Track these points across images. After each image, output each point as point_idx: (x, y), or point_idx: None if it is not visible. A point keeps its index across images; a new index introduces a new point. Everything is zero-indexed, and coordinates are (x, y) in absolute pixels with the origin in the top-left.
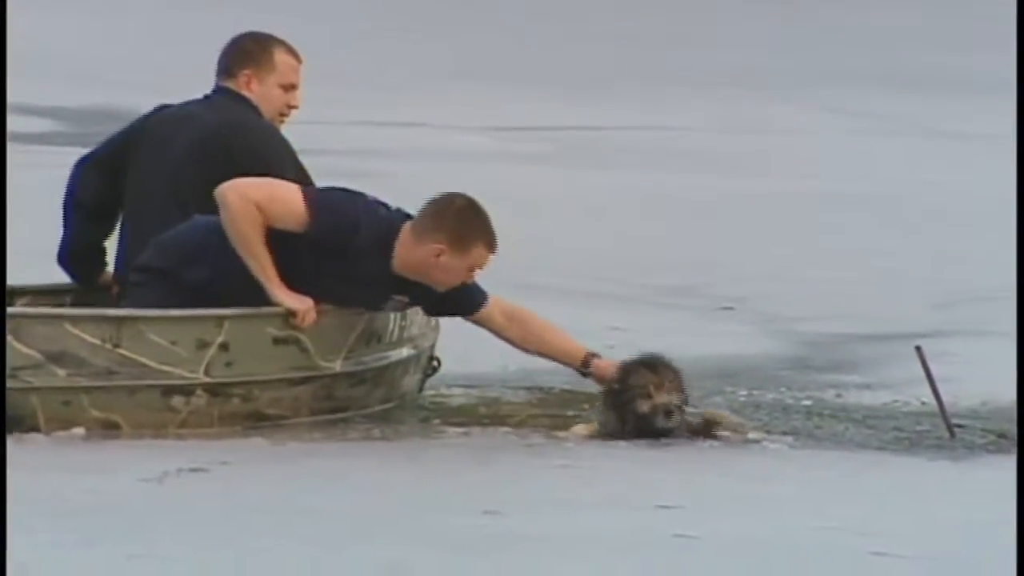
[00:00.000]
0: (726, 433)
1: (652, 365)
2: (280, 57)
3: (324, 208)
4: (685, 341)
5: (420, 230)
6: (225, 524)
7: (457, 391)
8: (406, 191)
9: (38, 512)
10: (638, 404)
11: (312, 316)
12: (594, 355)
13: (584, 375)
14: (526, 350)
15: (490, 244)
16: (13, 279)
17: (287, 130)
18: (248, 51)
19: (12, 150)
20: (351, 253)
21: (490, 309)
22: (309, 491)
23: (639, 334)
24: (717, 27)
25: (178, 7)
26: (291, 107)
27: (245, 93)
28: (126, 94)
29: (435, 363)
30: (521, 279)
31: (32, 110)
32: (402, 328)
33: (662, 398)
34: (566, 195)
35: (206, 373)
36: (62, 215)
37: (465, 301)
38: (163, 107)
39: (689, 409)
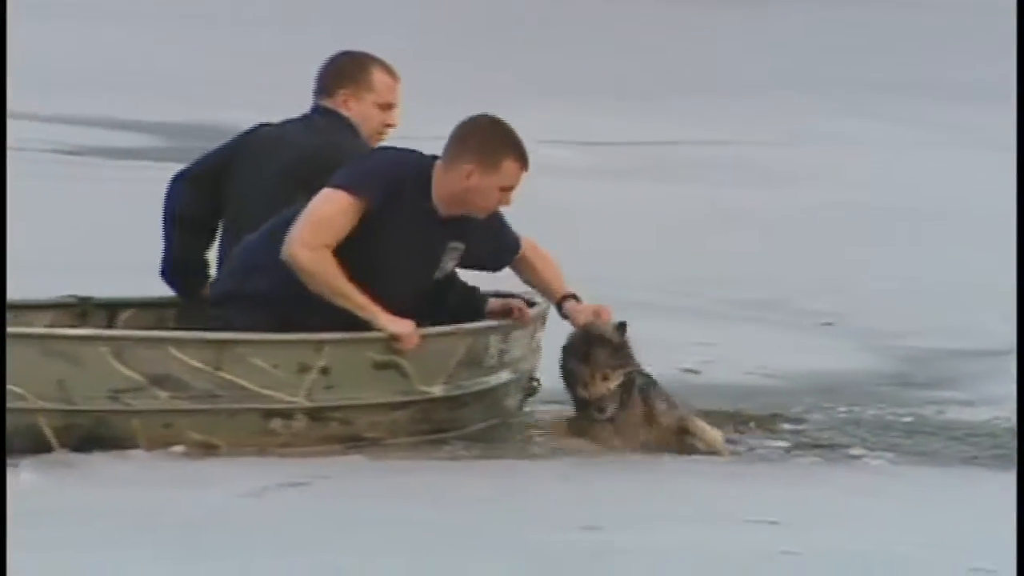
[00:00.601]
0: (698, 444)
1: (586, 353)
2: (378, 76)
3: (367, 182)
4: (779, 357)
5: (449, 157)
6: (325, 539)
7: (555, 408)
8: None
9: (136, 527)
10: (577, 390)
11: (415, 340)
12: (572, 297)
13: (561, 316)
14: (524, 280)
15: (520, 158)
16: (116, 293)
17: None
18: (346, 70)
19: (108, 166)
20: (400, 208)
21: (525, 249)
22: (408, 506)
23: (729, 349)
24: (791, 36)
25: (269, 25)
26: (388, 126)
27: (343, 112)
28: (221, 110)
29: (535, 383)
30: (606, 294)
31: (128, 125)
32: (502, 352)
33: (596, 390)
34: (651, 210)
35: (307, 397)
36: (162, 230)
37: (508, 243)
38: (262, 125)
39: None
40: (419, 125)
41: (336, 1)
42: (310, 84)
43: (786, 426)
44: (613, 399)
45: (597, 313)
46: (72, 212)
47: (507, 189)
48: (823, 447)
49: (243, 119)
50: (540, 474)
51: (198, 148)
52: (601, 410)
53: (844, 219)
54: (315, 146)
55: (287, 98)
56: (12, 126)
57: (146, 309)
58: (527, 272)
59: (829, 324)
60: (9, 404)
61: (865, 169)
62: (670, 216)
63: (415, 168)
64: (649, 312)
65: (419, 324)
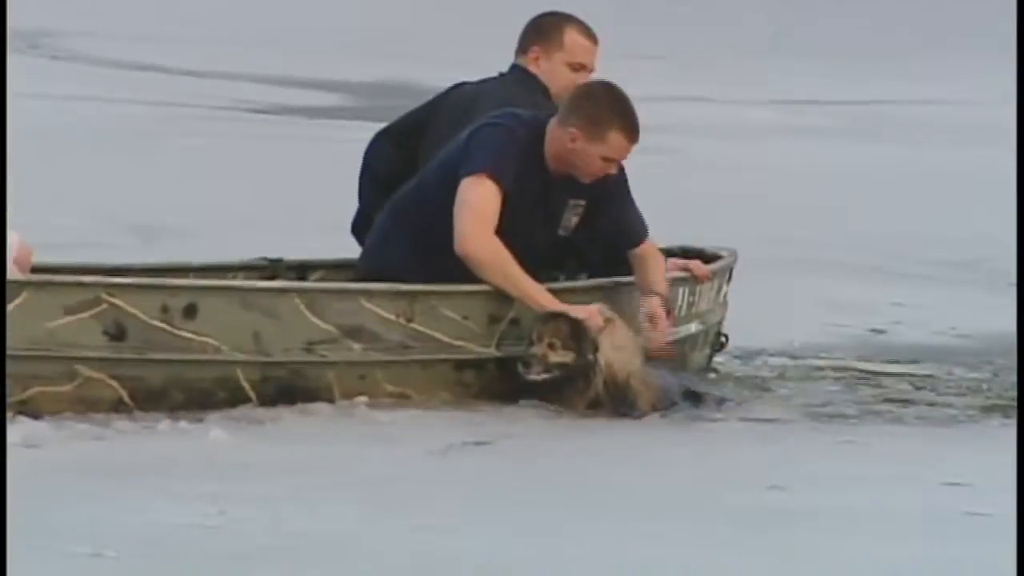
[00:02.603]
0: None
1: (549, 316)
2: (571, 36)
3: (504, 164)
4: (972, 317)
5: (561, 116)
6: (509, 497)
7: (737, 365)
8: (693, 166)
9: (321, 483)
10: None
11: (598, 318)
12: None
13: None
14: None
15: (627, 131)
16: (307, 253)
17: None
18: (540, 28)
19: (299, 124)
20: (519, 171)
21: (647, 247)
22: (593, 466)
23: (923, 310)
24: None
25: None
26: None
27: (533, 70)
28: (417, 69)
29: (723, 339)
30: (805, 253)
31: (318, 84)
32: (690, 304)
33: (533, 348)
34: (849, 169)
35: (497, 347)
36: (358, 185)
37: (631, 228)
38: (460, 84)
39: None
40: (630, 86)
41: None
42: (505, 43)
43: (981, 386)
44: (542, 367)
45: (652, 319)
46: (268, 171)
47: (609, 160)
48: (1010, 408)
49: (439, 78)
50: (727, 433)
51: (393, 107)
52: (526, 366)
53: None
54: (502, 102)
55: (485, 56)
56: (210, 85)
57: (336, 270)
58: (639, 271)
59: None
60: (206, 356)
61: None
62: (869, 175)
63: (531, 129)
64: (843, 272)
65: (545, 280)
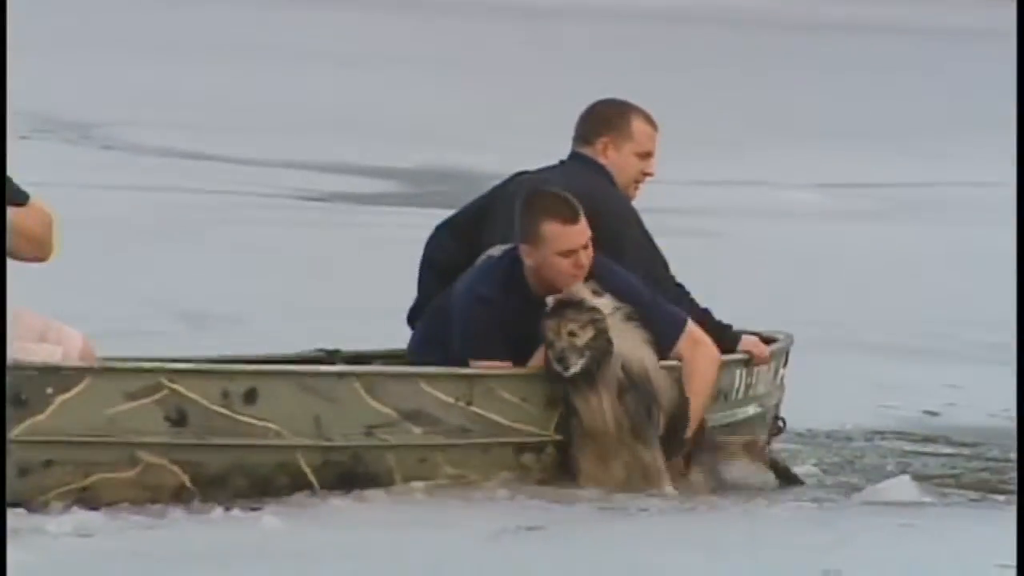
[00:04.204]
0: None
1: (552, 311)
2: (638, 125)
3: (485, 342)
4: None
5: (524, 235)
6: None
7: (793, 447)
8: (740, 249)
9: (374, 570)
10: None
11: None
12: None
13: None
14: None
15: (562, 218)
16: (358, 340)
17: None
18: (606, 118)
19: (349, 211)
20: (515, 307)
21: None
22: (645, 551)
23: (976, 392)
24: None
25: (498, 69)
26: (646, 174)
27: (601, 160)
28: (467, 155)
29: (780, 423)
30: (854, 336)
31: (367, 171)
32: (748, 386)
33: (559, 344)
34: (895, 251)
35: (556, 430)
36: (418, 274)
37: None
38: (520, 174)
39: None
40: (661, 166)
41: (571, 46)
42: (552, 128)
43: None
44: (576, 353)
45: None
46: (317, 258)
47: (567, 252)
48: None
49: (489, 163)
50: (780, 516)
51: (443, 193)
52: (563, 363)
53: None
54: (571, 193)
55: (533, 142)
56: (258, 173)
57: (392, 360)
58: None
59: None
60: (267, 441)
61: None
62: (915, 257)
63: (501, 260)
64: (896, 354)
65: None
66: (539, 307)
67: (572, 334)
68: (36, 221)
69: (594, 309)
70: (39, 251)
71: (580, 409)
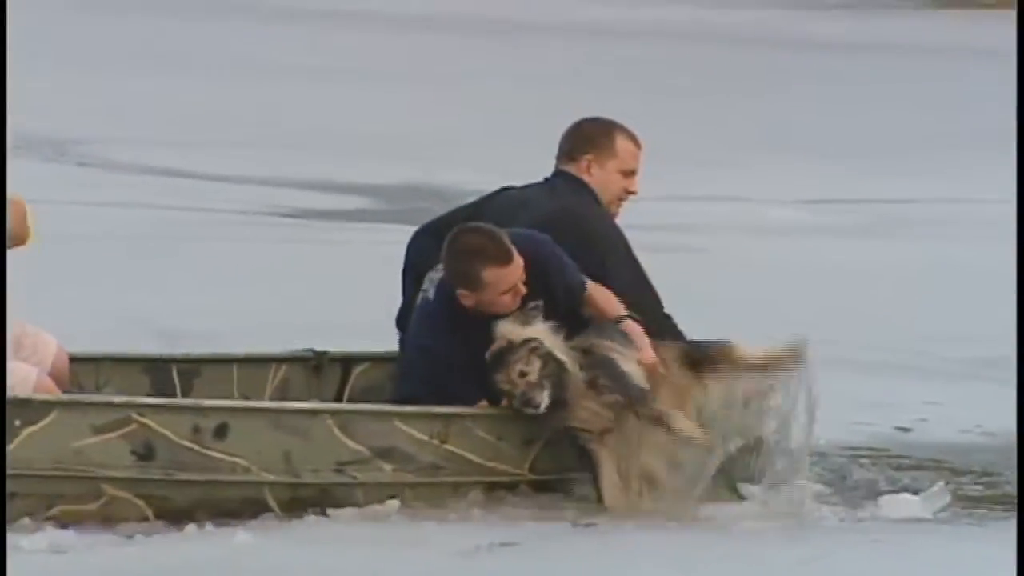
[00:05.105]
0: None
1: (495, 362)
2: (622, 144)
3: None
4: (998, 414)
5: (462, 281)
6: None
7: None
8: (718, 265)
9: None
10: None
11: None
12: (628, 317)
13: None
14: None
15: (499, 262)
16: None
17: None
18: (590, 136)
19: (326, 228)
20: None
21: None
22: (619, 567)
23: (949, 408)
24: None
25: (479, 81)
26: (629, 192)
27: (585, 178)
28: (438, 170)
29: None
30: (830, 352)
31: (345, 188)
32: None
33: (513, 385)
34: (873, 267)
35: (531, 469)
36: (401, 283)
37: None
38: (505, 189)
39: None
40: (643, 182)
41: (551, 62)
42: (531, 145)
43: (1005, 485)
44: (538, 389)
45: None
46: (294, 275)
47: (506, 292)
48: None
49: (464, 180)
50: (753, 532)
51: (421, 210)
52: (531, 403)
53: None
54: (555, 211)
55: (511, 159)
56: (235, 190)
57: (380, 363)
58: (593, 309)
59: None
60: (234, 476)
61: None
62: (893, 273)
63: (427, 304)
64: (867, 370)
65: None
66: (487, 331)
67: (523, 374)
68: (11, 213)
69: (527, 340)
70: (16, 241)
71: (582, 418)
